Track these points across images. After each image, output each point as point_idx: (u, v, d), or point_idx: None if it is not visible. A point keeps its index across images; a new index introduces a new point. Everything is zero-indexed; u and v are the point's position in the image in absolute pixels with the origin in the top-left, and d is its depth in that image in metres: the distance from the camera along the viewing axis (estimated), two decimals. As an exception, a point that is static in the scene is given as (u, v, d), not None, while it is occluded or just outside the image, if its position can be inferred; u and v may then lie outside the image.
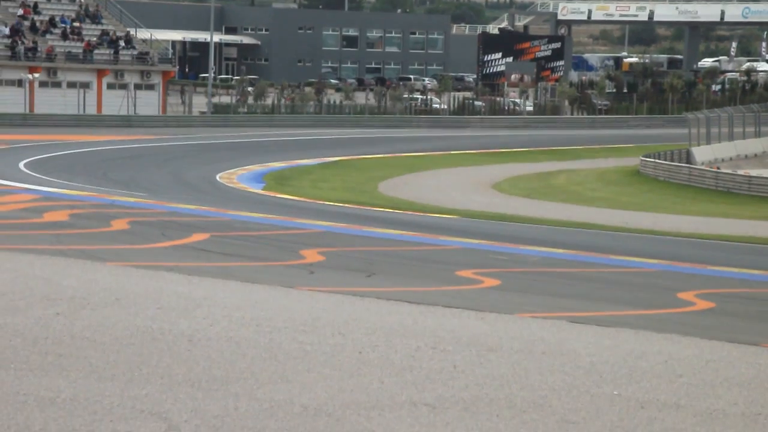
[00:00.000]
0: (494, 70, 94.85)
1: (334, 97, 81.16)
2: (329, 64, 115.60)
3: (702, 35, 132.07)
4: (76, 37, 69.34)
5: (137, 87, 68.93)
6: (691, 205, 40.94)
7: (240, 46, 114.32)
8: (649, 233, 30.26)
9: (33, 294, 13.66)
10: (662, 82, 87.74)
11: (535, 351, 11.82)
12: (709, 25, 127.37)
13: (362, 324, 12.81)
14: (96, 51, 68.84)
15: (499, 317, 14.24)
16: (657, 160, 51.17)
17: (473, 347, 11.77)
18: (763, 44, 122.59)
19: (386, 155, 54.76)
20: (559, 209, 36.75)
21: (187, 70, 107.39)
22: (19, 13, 69.22)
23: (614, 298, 18.07)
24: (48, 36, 68.65)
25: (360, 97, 79.49)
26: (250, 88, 78.71)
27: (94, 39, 69.81)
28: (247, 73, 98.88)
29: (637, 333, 13.53)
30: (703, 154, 54.13)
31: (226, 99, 78.71)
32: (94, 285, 14.88)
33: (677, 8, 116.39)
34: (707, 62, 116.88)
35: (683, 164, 51.27)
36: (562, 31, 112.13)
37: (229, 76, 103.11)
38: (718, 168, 49.81)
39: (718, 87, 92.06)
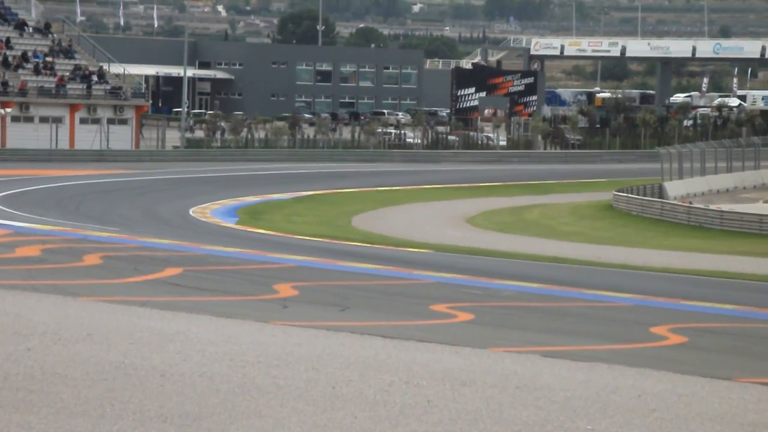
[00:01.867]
0: (468, 104, 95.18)
1: (308, 131, 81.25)
2: (303, 99, 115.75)
3: (674, 71, 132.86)
4: (48, 72, 69.23)
5: (110, 121, 68.77)
6: (664, 239, 41.08)
7: (214, 81, 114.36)
8: (622, 267, 30.33)
9: (4, 329, 13.56)
10: (635, 117, 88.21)
11: (509, 386, 11.81)
12: (681, 61, 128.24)
13: (336, 358, 12.77)
14: (69, 86, 68.74)
15: (473, 351, 14.22)
16: (630, 195, 51.38)
17: (447, 382, 11.74)
18: (734, 80, 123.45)
19: (360, 189, 54.80)
20: (533, 243, 36.81)
21: (160, 104, 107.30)
22: (-8, 48, 69.11)
23: (587, 332, 18.09)
24: (21, 71, 68.51)
25: (334, 132, 79.61)
26: (223, 123, 78.68)
27: (67, 74, 69.72)
28: (220, 108, 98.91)
29: (611, 367, 13.54)
30: (675, 188, 54.39)
31: (199, 133, 78.66)
32: (65, 320, 14.79)
33: (649, 44, 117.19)
34: (679, 98, 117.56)
35: (656, 199, 51.49)
36: (535, 66, 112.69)
37: (203, 111, 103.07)
38: (691, 203, 50.04)
39: (690, 122, 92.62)
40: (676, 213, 47.29)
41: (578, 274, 28.03)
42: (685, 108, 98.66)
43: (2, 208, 38.88)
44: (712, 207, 47.92)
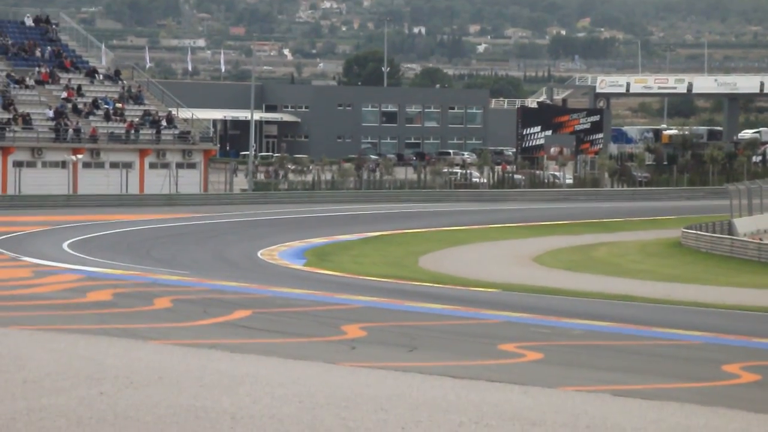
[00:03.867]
0: (533, 143, 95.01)
1: (374, 172, 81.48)
2: (369, 140, 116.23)
3: (741, 107, 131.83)
4: (118, 118, 70.20)
5: (179, 166, 69.53)
6: (734, 276, 40.63)
7: (280, 124, 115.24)
8: (693, 305, 30.04)
9: (77, 374, 13.72)
10: (702, 154, 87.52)
11: (579, 425, 11.73)
12: (749, 97, 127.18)
13: (405, 399, 12.77)
14: (138, 131, 69.65)
15: (543, 391, 14.15)
16: (699, 232, 50.91)
17: (517, 422, 11.70)
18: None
19: (426, 229, 54.82)
20: (601, 282, 36.58)
21: (228, 148, 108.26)
22: (63, 96, 70.21)
23: (658, 370, 17.93)
24: (91, 118, 69.54)
25: (400, 172, 79.81)
26: (290, 165, 79.22)
27: (137, 119, 70.64)
28: (287, 150, 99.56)
29: (683, 406, 13.41)
30: (745, 225, 53.81)
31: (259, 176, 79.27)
32: (137, 363, 14.93)
33: (716, 80, 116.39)
34: (747, 133, 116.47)
35: (725, 236, 50.98)
36: (601, 104, 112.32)
37: (270, 153, 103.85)
38: (761, 239, 49.48)
39: (759, 158, 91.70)
40: (746, 250, 46.77)
41: (648, 312, 27.80)
42: (753, 144, 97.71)
43: (74, 253, 39.38)
44: (784, 243, 47.33)
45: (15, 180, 64.53)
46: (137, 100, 72.89)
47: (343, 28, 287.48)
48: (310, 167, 78.44)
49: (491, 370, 16.67)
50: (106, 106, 70.55)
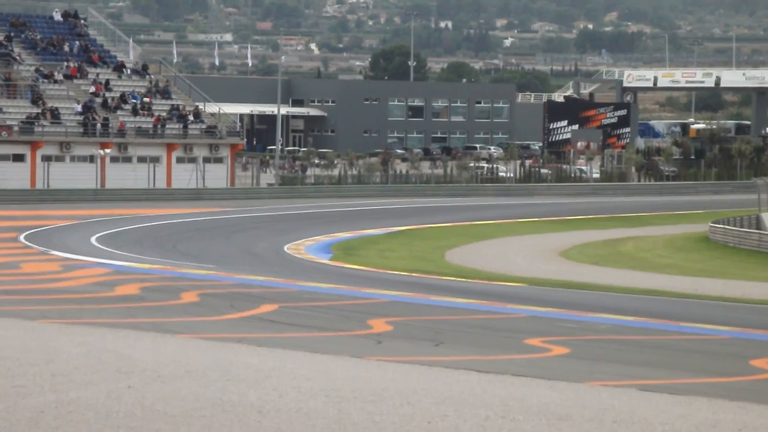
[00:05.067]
0: (560, 137, 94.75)
1: (400, 167, 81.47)
2: (395, 134, 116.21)
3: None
4: (146, 112, 70.43)
5: (206, 160, 69.71)
6: (762, 271, 40.43)
7: (307, 118, 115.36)
8: (720, 300, 29.93)
9: (105, 367, 13.81)
10: (730, 148, 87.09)
11: (606, 420, 11.72)
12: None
13: (431, 393, 12.79)
14: (166, 126, 69.85)
15: (569, 386, 14.14)
16: (726, 226, 50.68)
17: (543, 416, 11.70)
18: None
19: (453, 224, 54.79)
20: (628, 276, 36.48)
21: (255, 142, 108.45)
22: (91, 90, 70.48)
23: (685, 365, 17.88)
24: (119, 112, 69.80)
25: (426, 167, 79.77)
26: (317, 160, 79.28)
27: (164, 114, 70.86)
28: (314, 145, 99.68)
29: (710, 401, 13.37)
30: (773, 219, 53.50)
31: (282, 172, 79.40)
32: (164, 357, 15.00)
33: (744, 74, 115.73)
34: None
35: (753, 230, 50.72)
36: (628, 98, 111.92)
37: (296, 148, 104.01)
38: (789, 233, 49.20)
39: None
40: (774, 244, 46.50)
41: (675, 307, 27.72)
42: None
43: (102, 247, 39.56)
44: (812, 237, 47.05)
45: (44, 174, 64.85)
46: (164, 94, 73.11)
47: (370, 23, 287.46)
48: (336, 162, 78.50)
49: (517, 364, 16.67)
50: (133, 101, 70.81)
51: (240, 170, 75.11)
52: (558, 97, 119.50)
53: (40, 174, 65.05)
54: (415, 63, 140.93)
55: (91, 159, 66.37)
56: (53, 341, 16.51)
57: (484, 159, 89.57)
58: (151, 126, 69.40)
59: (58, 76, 70.60)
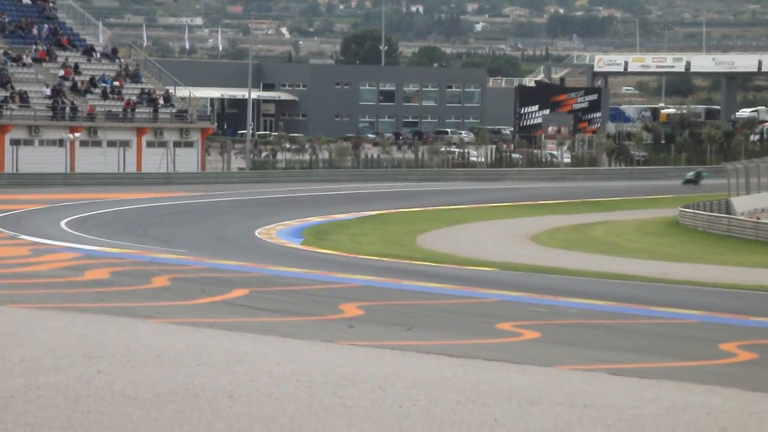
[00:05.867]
0: (531, 122, 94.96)
1: (371, 151, 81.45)
2: (366, 119, 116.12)
3: (739, 85, 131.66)
4: (116, 96, 70.09)
5: (176, 144, 69.45)
6: (731, 255, 40.67)
7: (278, 102, 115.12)
8: (689, 284, 30.09)
9: (75, 352, 13.75)
10: (700, 133, 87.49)
11: (577, 404, 11.77)
12: (747, 76, 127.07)
13: (402, 378, 12.80)
14: (136, 110, 69.55)
15: (540, 370, 14.19)
16: (696, 211, 50.94)
17: (514, 400, 11.73)
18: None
19: (424, 209, 54.83)
20: (598, 261, 36.62)
21: (225, 126, 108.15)
22: (60, 74, 70.07)
23: (655, 349, 17.96)
24: (89, 96, 69.42)
25: (395, 150, 79.78)
26: (288, 144, 79.10)
27: (134, 98, 70.53)
28: (284, 129, 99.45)
29: (679, 385, 13.45)
30: (742, 204, 53.83)
31: (263, 154, 79.19)
32: (134, 342, 14.96)
33: (714, 59, 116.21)
34: (745, 112, 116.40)
35: (722, 215, 50.99)
36: (599, 83, 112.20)
37: (267, 132, 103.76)
38: (758, 218, 49.50)
39: (757, 137, 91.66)
40: (743, 229, 46.80)
41: (645, 291, 27.84)
42: (751, 123, 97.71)
43: (72, 231, 39.38)
44: (781, 222, 47.35)
45: (12, 158, 64.47)
46: (134, 78, 72.77)
47: (341, 7, 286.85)
48: (307, 146, 78.39)
49: (488, 349, 16.70)
50: (103, 85, 70.44)
51: (217, 155, 74.89)
52: (529, 81, 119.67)
53: (9, 158, 64.68)
54: (386, 47, 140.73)
55: (61, 143, 66.02)
56: (22, 326, 16.43)
57: (455, 144, 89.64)
58: (121, 110, 69.07)
59: (27, 60, 70.14)
